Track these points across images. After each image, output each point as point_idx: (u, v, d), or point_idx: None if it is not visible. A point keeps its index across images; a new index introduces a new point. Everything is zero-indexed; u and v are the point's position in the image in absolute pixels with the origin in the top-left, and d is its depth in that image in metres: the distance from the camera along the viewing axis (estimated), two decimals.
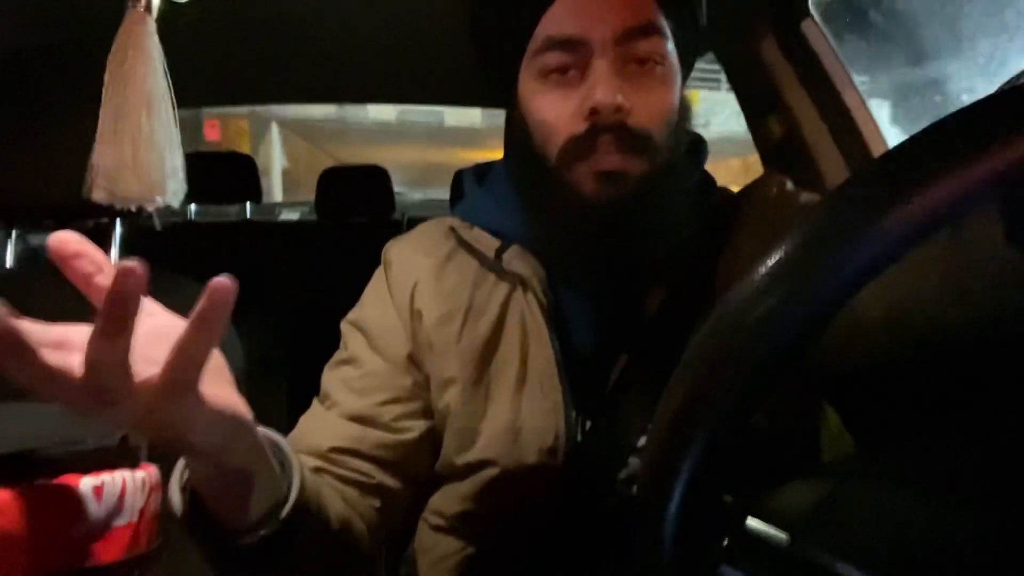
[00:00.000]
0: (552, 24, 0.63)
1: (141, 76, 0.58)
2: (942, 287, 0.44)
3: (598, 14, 0.62)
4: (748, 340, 0.26)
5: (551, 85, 0.64)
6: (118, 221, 0.97)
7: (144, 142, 0.61)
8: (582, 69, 0.63)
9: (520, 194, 0.71)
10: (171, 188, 0.63)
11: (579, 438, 0.65)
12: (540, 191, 0.67)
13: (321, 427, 0.68)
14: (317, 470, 0.64)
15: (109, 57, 0.58)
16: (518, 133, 0.69)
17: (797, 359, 0.27)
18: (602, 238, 0.64)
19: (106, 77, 0.59)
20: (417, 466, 0.69)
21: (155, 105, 0.59)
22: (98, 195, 0.63)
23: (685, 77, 0.69)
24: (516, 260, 0.69)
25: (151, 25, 0.58)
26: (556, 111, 0.64)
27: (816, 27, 1.14)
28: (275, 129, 7.18)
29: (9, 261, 0.93)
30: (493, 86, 0.72)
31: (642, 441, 0.65)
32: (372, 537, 0.65)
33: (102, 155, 0.60)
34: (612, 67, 0.61)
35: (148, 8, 0.57)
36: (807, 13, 1.13)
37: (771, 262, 0.26)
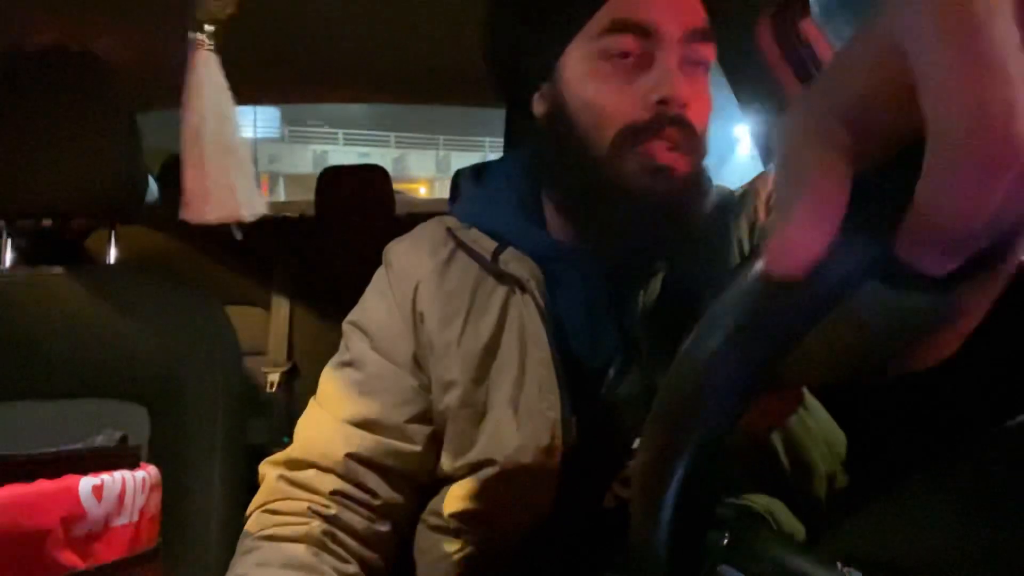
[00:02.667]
0: (623, 7, 0.62)
1: (217, 113, 0.64)
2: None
3: (669, 5, 0.62)
4: (745, 338, 0.26)
5: (610, 69, 0.62)
6: (116, 221, 0.98)
7: (222, 170, 0.68)
8: (643, 59, 0.62)
9: (553, 178, 0.70)
10: (248, 206, 0.71)
11: (576, 438, 0.65)
12: (579, 177, 0.65)
13: (330, 434, 0.68)
14: (334, 492, 0.66)
15: (184, 94, 0.65)
16: (555, 117, 0.66)
17: (787, 357, 0.27)
18: (639, 228, 0.63)
19: (184, 112, 0.66)
20: (423, 471, 0.70)
21: (229, 137, 0.66)
22: (190, 216, 0.71)
23: None
24: (513, 262, 0.69)
25: (216, 63, 0.63)
26: (615, 96, 0.62)
27: (816, 27, 1.14)
28: (281, 180, 13.18)
29: (7, 261, 0.93)
30: (527, 67, 0.69)
31: (638, 442, 0.65)
32: (384, 562, 0.68)
33: (189, 181, 0.68)
34: (678, 62, 0.62)
35: (212, 46, 0.62)
36: (807, 13, 1.13)
37: (760, 263, 0.26)
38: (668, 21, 0.61)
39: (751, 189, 0.73)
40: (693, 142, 0.62)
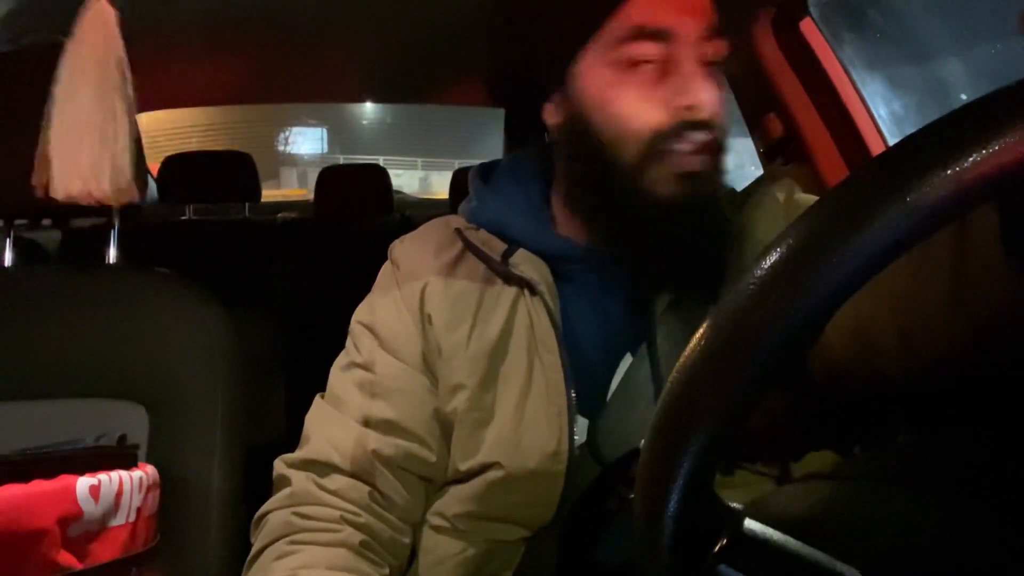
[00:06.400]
0: (641, 13, 0.61)
1: (97, 73, 0.55)
2: (946, 306, 0.42)
3: (686, 7, 0.61)
4: (746, 340, 0.26)
5: (632, 77, 0.62)
6: (116, 220, 0.98)
7: (97, 143, 0.58)
8: (664, 64, 0.61)
9: (572, 189, 0.68)
10: (119, 191, 0.60)
11: (583, 443, 0.65)
12: (605, 187, 0.64)
13: (347, 436, 0.68)
14: (363, 500, 0.65)
15: (66, 50, 0.55)
16: (573, 127, 0.65)
17: (797, 357, 0.27)
18: (666, 237, 0.62)
19: (63, 72, 0.56)
20: (438, 473, 0.69)
21: (111, 104, 0.57)
22: (54, 193, 0.61)
23: None
24: (524, 263, 0.68)
25: (111, 17, 0.54)
26: (639, 104, 0.61)
27: (815, 27, 1.14)
28: None
29: (8, 259, 0.93)
30: (538, 74, 0.67)
31: (643, 443, 0.65)
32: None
33: (55, 153, 0.58)
34: (697, 64, 0.61)
35: None
36: (806, 13, 1.13)
37: (767, 263, 0.26)
38: (685, 23, 0.60)
39: (768, 191, 0.71)
40: (718, 145, 0.62)
